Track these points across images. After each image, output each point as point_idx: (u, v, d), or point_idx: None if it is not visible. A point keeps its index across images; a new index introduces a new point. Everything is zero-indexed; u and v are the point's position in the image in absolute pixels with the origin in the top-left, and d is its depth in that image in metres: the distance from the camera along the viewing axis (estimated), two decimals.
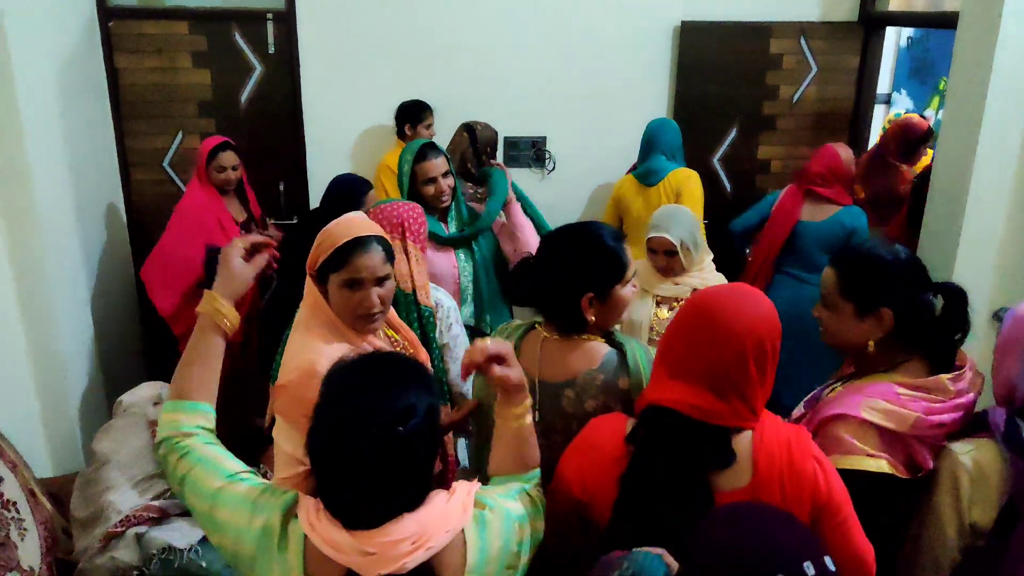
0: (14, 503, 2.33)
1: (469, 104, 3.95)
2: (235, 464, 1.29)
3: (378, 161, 3.96)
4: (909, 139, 4.06)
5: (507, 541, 1.22)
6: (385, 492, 1.10)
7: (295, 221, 4.09)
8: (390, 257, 1.73)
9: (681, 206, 2.90)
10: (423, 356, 1.90)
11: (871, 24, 4.19)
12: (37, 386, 2.96)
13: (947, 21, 3.34)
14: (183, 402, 1.33)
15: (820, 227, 3.41)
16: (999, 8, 2.74)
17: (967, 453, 1.48)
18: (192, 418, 1.31)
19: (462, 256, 2.75)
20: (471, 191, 3.31)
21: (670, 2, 4.08)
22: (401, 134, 3.92)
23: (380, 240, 1.72)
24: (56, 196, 3.09)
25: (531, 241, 2.80)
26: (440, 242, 2.69)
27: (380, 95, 4.01)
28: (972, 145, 2.90)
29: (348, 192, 2.94)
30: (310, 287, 1.73)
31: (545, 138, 4.23)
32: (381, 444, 1.07)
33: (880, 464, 1.49)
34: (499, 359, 1.33)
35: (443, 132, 3.82)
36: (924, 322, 1.57)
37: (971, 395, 1.57)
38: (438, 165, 2.65)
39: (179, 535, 2.24)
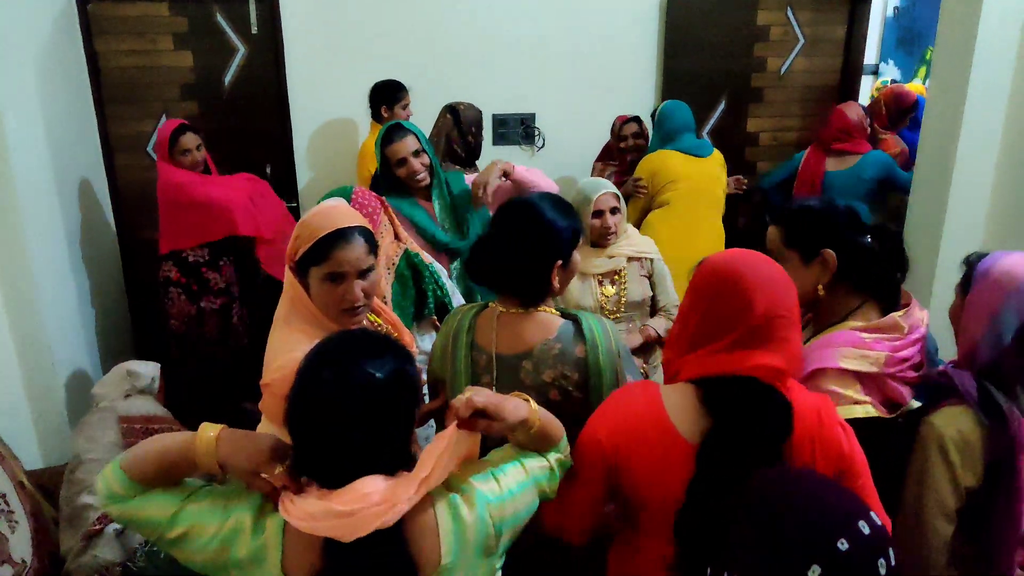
0: (3, 495, 2.31)
1: (457, 82, 3.91)
2: (183, 488, 1.23)
3: (351, 146, 3.94)
4: (901, 107, 4.07)
5: (482, 526, 1.20)
6: (361, 442, 1.10)
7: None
8: (373, 247, 1.67)
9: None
10: (407, 338, 1.86)
11: None
12: (23, 376, 2.92)
13: None
14: (131, 482, 1.19)
15: (846, 175, 3.73)
16: None
17: (950, 425, 1.52)
18: (129, 494, 1.21)
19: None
20: (458, 171, 3.27)
21: None
22: (377, 116, 3.79)
23: (363, 231, 1.65)
24: (38, 183, 3.05)
25: (542, 183, 2.72)
26: (437, 248, 2.61)
27: (367, 74, 3.96)
28: (958, 114, 2.91)
29: None
30: (290, 280, 1.67)
31: (534, 115, 4.20)
32: (359, 392, 1.09)
33: (867, 409, 1.56)
34: (483, 413, 1.26)
35: (429, 112, 3.78)
36: (866, 263, 1.66)
37: (922, 329, 1.67)
38: (407, 144, 2.56)
39: None
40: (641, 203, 3.52)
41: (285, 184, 4.08)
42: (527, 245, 1.67)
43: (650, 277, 2.64)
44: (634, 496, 1.39)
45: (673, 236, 3.33)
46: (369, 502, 1.07)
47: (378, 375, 1.10)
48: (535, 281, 1.69)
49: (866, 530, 0.90)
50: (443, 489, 1.20)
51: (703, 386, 1.34)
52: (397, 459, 1.15)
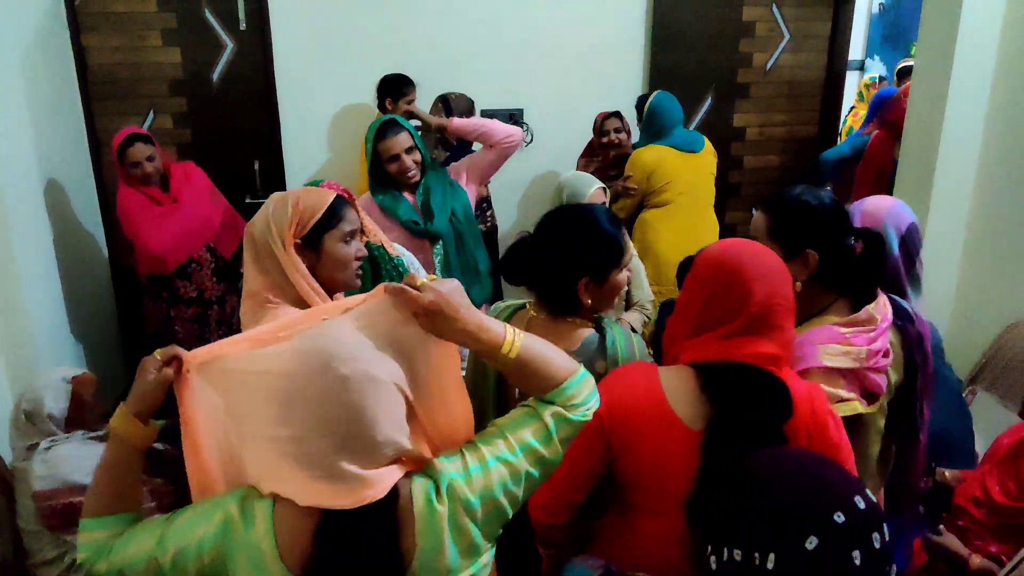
0: None
1: (445, 78, 3.92)
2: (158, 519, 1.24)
3: (357, 138, 3.94)
4: None
5: (451, 504, 1.17)
6: None
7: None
8: None
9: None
10: None
11: None
12: (8, 378, 2.81)
13: None
14: (102, 518, 1.23)
15: None
16: None
17: None
18: (113, 531, 1.23)
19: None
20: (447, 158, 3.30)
21: None
22: (382, 108, 3.81)
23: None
24: (23, 181, 3.02)
25: (498, 129, 2.78)
26: (415, 234, 2.66)
27: (356, 70, 3.98)
28: (940, 109, 2.96)
29: None
30: (288, 261, 1.66)
31: (522, 110, 4.22)
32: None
33: (853, 406, 1.58)
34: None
35: (419, 106, 3.80)
36: (845, 266, 1.66)
37: (888, 317, 1.68)
38: (400, 141, 2.59)
39: None
40: (632, 201, 3.54)
41: (273, 180, 4.08)
42: (551, 257, 1.65)
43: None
44: (631, 474, 1.41)
45: (675, 237, 3.38)
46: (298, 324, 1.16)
47: None
48: (561, 293, 1.66)
49: (862, 505, 0.92)
50: (416, 474, 1.18)
51: (702, 371, 1.37)
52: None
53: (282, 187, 4.08)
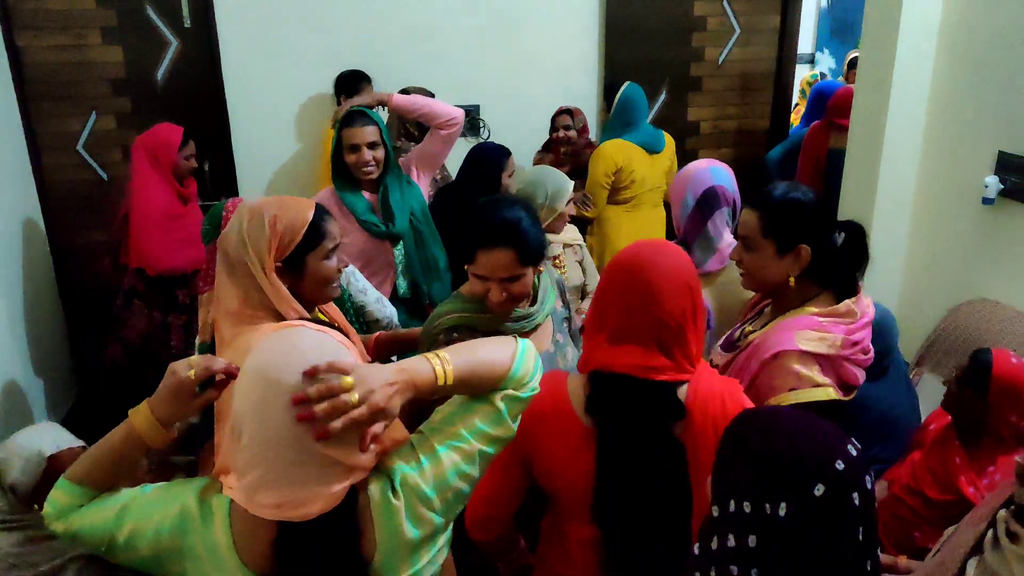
0: None
1: (398, 74, 3.87)
2: (122, 491, 1.24)
3: (310, 136, 3.89)
4: None
5: (407, 500, 1.15)
6: None
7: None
8: None
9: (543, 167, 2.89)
10: (353, 336, 1.80)
11: None
12: None
13: None
14: (80, 487, 1.22)
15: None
16: None
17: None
18: (82, 502, 1.23)
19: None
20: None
21: None
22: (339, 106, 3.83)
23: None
24: None
25: (440, 108, 2.74)
26: (376, 235, 2.62)
27: (307, 66, 3.91)
28: (885, 98, 3.03)
29: (490, 159, 2.89)
30: (269, 285, 1.56)
31: (479, 106, 4.19)
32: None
33: (828, 392, 1.61)
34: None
35: None
36: (832, 257, 1.70)
37: (870, 314, 1.73)
38: (364, 133, 2.52)
39: None
40: (603, 200, 3.53)
41: (225, 182, 3.99)
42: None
43: (581, 263, 2.78)
44: (548, 482, 1.44)
45: (634, 233, 3.43)
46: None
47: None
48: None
49: (853, 452, 1.00)
50: (373, 473, 1.16)
51: (590, 380, 1.40)
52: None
53: (234, 187, 4.00)
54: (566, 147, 3.81)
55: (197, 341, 2.44)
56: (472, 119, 4.18)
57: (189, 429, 2.17)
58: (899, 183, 3.12)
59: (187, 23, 3.80)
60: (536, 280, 1.82)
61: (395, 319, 2.36)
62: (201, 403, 1.24)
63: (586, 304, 2.73)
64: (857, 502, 0.97)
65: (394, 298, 2.63)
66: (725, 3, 4.25)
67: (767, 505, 0.97)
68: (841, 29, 6.07)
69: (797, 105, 5.16)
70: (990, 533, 1.20)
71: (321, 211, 1.65)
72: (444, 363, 1.15)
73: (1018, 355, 1.96)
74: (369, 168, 2.55)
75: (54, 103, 3.76)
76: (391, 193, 2.63)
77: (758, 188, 1.77)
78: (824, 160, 3.88)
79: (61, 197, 3.85)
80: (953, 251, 3.02)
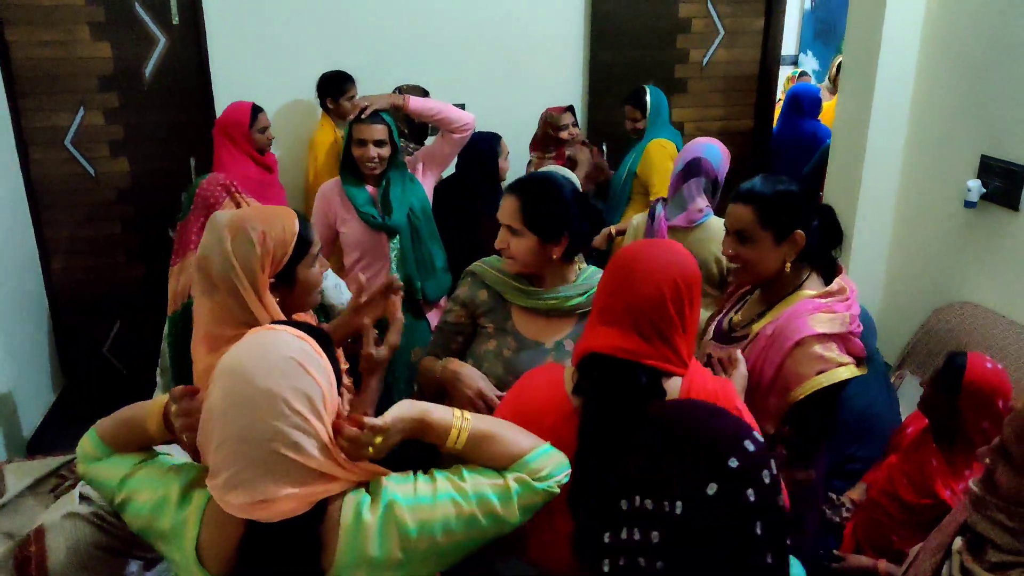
0: None
1: (384, 74, 3.89)
2: (141, 455, 1.31)
3: (299, 133, 3.91)
4: None
5: (380, 528, 1.14)
6: None
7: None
8: None
9: None
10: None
11: None
12: None
13: None
14: (101, 443, 1.32)
15: None
16: None
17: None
18: (102, 456, 1.32)
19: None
20: (412, 149, 3.31)
21: None
22: (324, 107, 3.86)
23: None
24: None
25: (454, 114, 2.81)
26: (372, 227, 2.70)
27: (295, 65, 3.92)
28: (867, 101, 3.07)
29: (484, 146, 3.02)
30: (261, 305, 1.51)
31: (464, 105, 4.19)
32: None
33: (851, 369, 1.68)
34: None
35: None
36: (818, 239, 1.78)
37: (855, 287, 1.79)
38: (372, 131, 2.64)
39: None
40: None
41: None
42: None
43: None
44: None
45: None
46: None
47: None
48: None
49: (751, 448, 1.00)
50: (353, 489, 1.18)
51: (578, 365, 1.42)
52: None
53: None
54: (571, 145, 3.82)
55: (168, 312, 2.55)
56: None
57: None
58: (882, 186, 3.16)
59: (175, 19, 3.80)
60: (577, 270, 1.89)
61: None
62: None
63: None
64: (753, 498, 0.97)
65: None
66: (710, 5, 4.30)
67: (666, 503, 0.98)
68: (825, 31, 6.14)
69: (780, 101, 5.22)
70: (946, 568, 1.19)
71: (303, 218, 1.62)
72: (465, 422, 1.23)
73: (994, 360, 1.94)
74: (372, 164, 2.67)
75: (42, 98, 3.76)
76: (392, 188, 2.72)
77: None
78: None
79: (48, 192, 3.85)
80: (935, 254, 3.05)
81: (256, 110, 3.44)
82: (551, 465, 1.25)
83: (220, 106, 3.92)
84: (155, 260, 3.85)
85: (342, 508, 1.14)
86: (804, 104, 4.50)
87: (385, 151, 2.67)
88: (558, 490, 1.25)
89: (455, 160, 3.05)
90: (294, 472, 1.08)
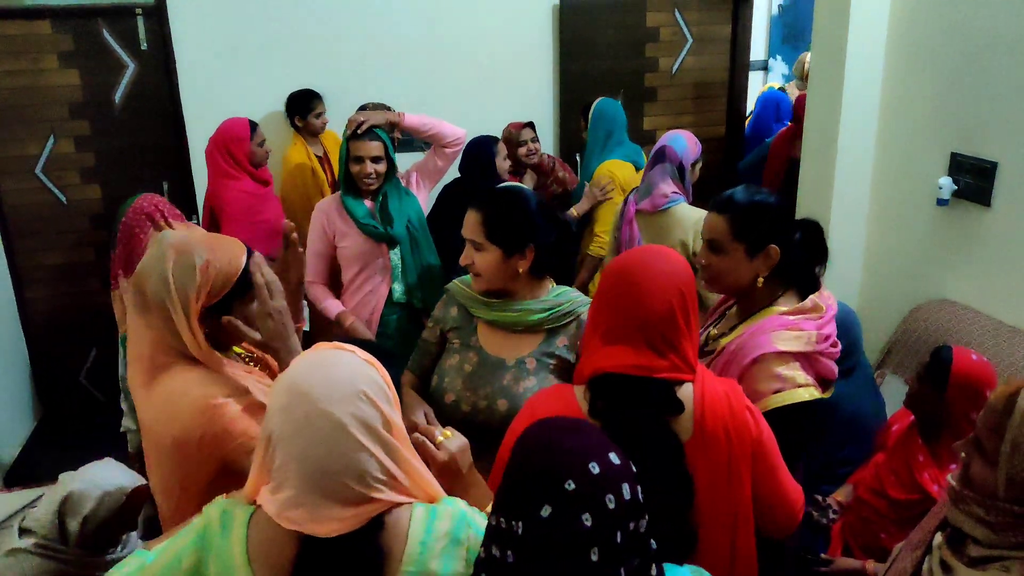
0: None
1: (355, 91, 3.90)
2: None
3: (274, 153, 3.92)
4: None
5: (452, 545, 1.16)
6: None
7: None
8: None
9: None
10: (271, 361, 1.70)
11: None
12: None
13: None
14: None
15: None
16: None
17: None
18: None
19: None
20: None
21: None
22: (294, 126, 3.89)
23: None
24: None
25: (447, 128, 2.83)
26: (374, 237, 2.72)
27: (264, 85, 3.93)
28: (837, 103, 3.10)
29: (481, 151, 3.16)
30: (192, 336, 1.46)
31: None
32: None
33: (811, 392, 1.62)
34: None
35: (336, 119, 3.78)
36: (796, 257, 1.74)
37: (833, 305, 1.75)
38: (368, 147, 2.66)
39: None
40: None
41: (184, 200, 3.98)
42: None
43: None
44: None
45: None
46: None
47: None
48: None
49: (596, 470, 0.97)
50: (420, 503, 1.18)
51: (590, 386, 1.40)
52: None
53: (193, 207, 3.99)
54: (534, 161, 3.79)
55: (120, 331, 2.59)
56: None
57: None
58: (854, 186, 3.17)
59: (143, 45, 3.80)
60: (549, 288, 1.89)
61: None
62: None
63: None
64: (589, 523, 0.94)
65: (389, 302, 2.76)
66: (677, 14, 4.35)
67: (513, 523, 0.97)
68: (793, 35, 6.19)
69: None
70: (927, 563, 1.18)
71: (250, 253, 1.55)
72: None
73: (979, 354, 1.96)
74: (370, 180, 2.70)
75: (11, 127, 3.74)
76: (390, 200, 2.76)
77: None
78: (787, 165, 3.94)
79: (20, 220, 3.83)
80: (910, 252, 3.06)
81: (253, 125, 3.43)
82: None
83: (191, 129, 3.93)
84: None
85: (411, 517, 1.14)
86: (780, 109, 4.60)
87: (381, 167, 2.70)
88: None
89: (455, 165, 3.10)
90: (357, 498, 1.09)
